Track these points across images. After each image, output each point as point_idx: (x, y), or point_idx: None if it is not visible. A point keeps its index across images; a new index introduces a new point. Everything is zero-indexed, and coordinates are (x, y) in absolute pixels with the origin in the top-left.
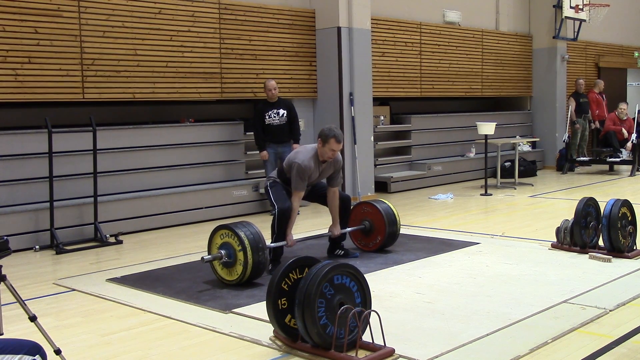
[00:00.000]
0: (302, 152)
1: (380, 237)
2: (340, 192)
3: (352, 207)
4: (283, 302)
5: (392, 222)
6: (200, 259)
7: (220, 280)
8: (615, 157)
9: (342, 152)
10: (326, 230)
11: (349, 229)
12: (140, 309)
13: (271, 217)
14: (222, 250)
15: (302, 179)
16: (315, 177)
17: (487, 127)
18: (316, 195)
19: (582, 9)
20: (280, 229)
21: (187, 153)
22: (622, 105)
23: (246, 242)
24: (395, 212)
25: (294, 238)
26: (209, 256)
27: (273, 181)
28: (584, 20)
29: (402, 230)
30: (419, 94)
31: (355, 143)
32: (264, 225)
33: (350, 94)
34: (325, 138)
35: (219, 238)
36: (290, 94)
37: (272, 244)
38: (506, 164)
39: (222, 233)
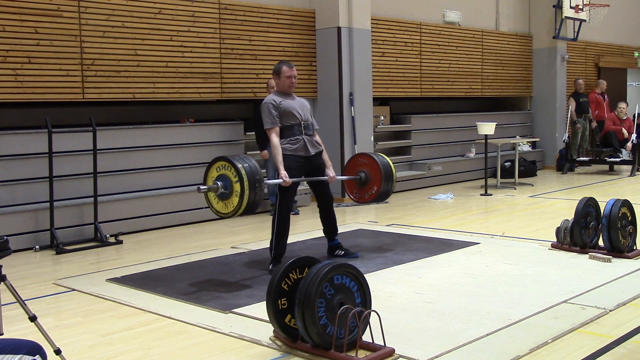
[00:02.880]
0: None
1: (375, 190)
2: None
3: (349, 158)
4: (283, 302)
5: (388, 178)
6: (196, 189)
7: (215, 214)
8: (615, 157)
9: (342, 151)
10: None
11: (344, 177)
12: (140, 309)
13: (271, 217)
14: (218, 181)
15: (271, 113)
16: (294, 104)
17: (487, 127)
18: (314, 175)
19: (582, 9)
20: (281, 226)
21: (187, 153)
22: (622, 105)
23: (243, 173)
24: (392, 168)
25: (295, 240)
26: (205, 187)
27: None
28: (584, 20)
29: (402, 231)
30: (419, 94)
31: (355, 143)
32: (263, 226)
33: (350, 94)
34: (278, 70)
35: (216, 169)
36: None
37: (269, 181)
38: (506, 164)
39: (220, 165)
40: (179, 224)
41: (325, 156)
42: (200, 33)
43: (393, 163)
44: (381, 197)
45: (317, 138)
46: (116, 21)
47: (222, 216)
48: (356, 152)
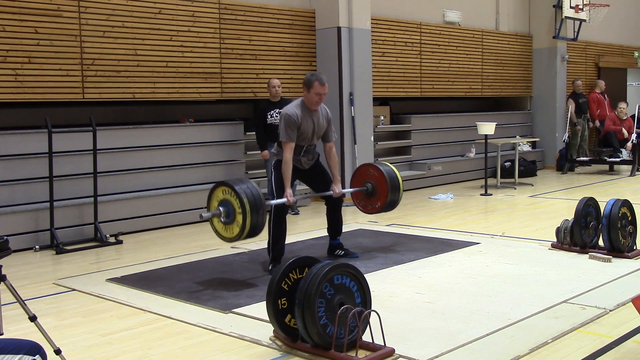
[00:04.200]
0: (290, 104)
1: (381, 202)
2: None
3: (356, 169)
4: (283, 302)
5: (395, 188)
6: (199, 215)
7: (219, 237)
8: (615, 157)
9: (342, 151)
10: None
11: (350, 189)
12: (140, 309)
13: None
14: (221, 207)
15: (291, 129)
16: (310, 128)
17: (487, 127)
18: (313, 180)
19: (582, 9)
20: (277, 224)
21: (187, 153)
22: (622, 105)
23: (245, 199)
24: (399, 178)
25: (295, 240)
26: (208, 213)
27: (277, 161)
28: (584, 20)
29: (402, 231)
30: (419, 94)
31: (355, 143)
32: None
33: (350, 94)
34: (309, 83)
35: (218, 195)
36: (290, 94)
37: (273, 201)
38: (506, 164)
39: (222, 190)
40: (179, 224)
41: (334, 170)
42: (200, 33)
43: (393, 163)
44: (388, 207)
45: (333, 151)
46: (116, 21)
47: (224, 240)
48: (356, 153)
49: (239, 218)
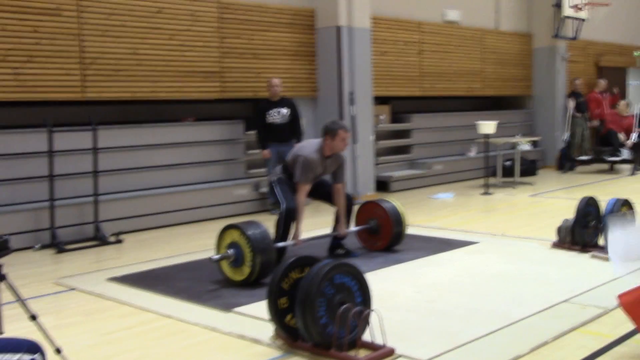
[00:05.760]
0: (307, 146)
1: (387, 237)
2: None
3: (359, 206)
4: (283, 302)
5: (398, 222)
6: (208, 258)
7: (227, 279)
8: (615, 156)
9: None
10: (328, 229)
11: (354, 228)
12: (140, 308)
13: (272, 216)
14: (230, 249)
15: (309, 172)
16: (318, 172)
17: (487, 126)
18: (319, 192)
19: (581, 8)
20: (287, 227)
21: (187, 152)
22: (623, 102)
23: (255, 242)
24: (401, 211)
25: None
26: (217, 255)
27: (278, 178)
28: (584, 20)
29: None
30: (419, 92)
31: (355, 142)
32: (266, 225)
33: (351, 93)
34: (334, 131)
35: (227, 237)
36: (290, 93)
37: (281, 244)
38: (506, 163)
39: (231, 232)
40: (180, 223)
41: (341, 213)
42: (200, 32)
43: (393, 162)
44: (393, 243)
45: (342, 193)
46: (116, 20)
47: (233, 282)
48: (356, 152)
49: (248, 256)
